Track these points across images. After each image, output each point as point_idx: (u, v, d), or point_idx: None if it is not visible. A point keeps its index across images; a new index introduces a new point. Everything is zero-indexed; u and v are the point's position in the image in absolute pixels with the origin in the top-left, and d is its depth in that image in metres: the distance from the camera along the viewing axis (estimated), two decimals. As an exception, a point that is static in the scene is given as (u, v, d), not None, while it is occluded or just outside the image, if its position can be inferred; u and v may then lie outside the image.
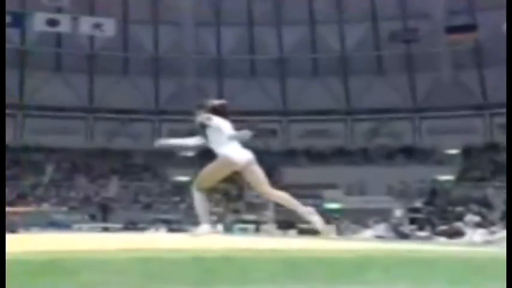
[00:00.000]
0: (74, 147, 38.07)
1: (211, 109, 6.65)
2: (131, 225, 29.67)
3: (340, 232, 24.82)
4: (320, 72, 41.93)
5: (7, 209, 25.50)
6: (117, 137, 40.04)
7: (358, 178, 34.64)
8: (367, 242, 12.61)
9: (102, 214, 31.97)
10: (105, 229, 28.30)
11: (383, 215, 26.74)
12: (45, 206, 31.87)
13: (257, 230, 26.47)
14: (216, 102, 6.81)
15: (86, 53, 41.03)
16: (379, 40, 40.42)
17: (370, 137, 40.09)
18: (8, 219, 24.80)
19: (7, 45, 38.20)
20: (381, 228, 22.86)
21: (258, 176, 6.61)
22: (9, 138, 38.40)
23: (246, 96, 41.02)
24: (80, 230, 27.54)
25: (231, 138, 6.49)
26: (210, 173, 6.60)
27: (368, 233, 22.99)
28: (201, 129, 6.62)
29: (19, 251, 5.34)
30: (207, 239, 6.69)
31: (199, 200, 6.66)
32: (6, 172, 33.32)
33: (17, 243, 6.82)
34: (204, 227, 6.76)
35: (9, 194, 32.25)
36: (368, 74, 40.70)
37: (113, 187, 35.59)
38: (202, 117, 6.51)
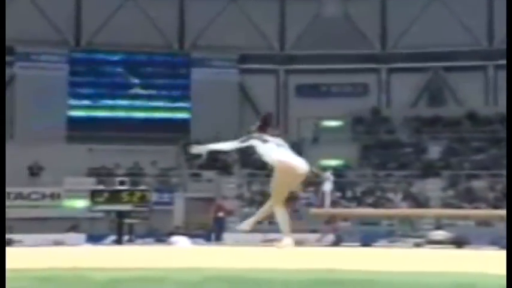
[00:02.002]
0: None
1: (263, 119, 9.16)
2: None
3: None
4: None
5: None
6: None
7: None
8: None
9: None
10: None
11: None
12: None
13: None
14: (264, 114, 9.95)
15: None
16: None
17: None
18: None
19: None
20: None
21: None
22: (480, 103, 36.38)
23: None
24: None
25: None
26: (279, 185, 8.77)
27: None
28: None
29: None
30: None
31: (280, 214, 8.81)
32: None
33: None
34: (287, 240, 8.87)
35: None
36: None
37: None
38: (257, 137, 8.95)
